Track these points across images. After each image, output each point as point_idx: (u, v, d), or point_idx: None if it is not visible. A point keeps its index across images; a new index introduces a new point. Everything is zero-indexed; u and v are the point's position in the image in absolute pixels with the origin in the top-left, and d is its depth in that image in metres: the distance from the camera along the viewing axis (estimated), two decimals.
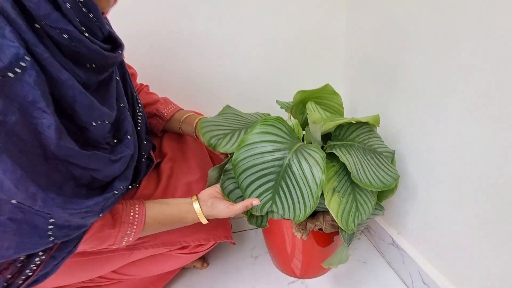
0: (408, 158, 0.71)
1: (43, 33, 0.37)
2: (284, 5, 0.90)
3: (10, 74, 0.33)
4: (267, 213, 0.60)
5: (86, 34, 0.41)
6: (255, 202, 0.56)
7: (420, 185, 0.69)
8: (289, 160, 0.56)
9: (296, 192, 0.55)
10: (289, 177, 0.56)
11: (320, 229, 0.67)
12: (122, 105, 0.53)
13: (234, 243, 0.76)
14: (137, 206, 0.52)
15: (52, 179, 0.38)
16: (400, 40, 0.70)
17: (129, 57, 0.67)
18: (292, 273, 0.83)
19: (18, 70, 0.34)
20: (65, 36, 0.38)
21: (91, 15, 0.41)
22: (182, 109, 0.77)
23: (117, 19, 0.60)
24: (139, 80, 0.78)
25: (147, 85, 0.78)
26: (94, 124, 0.44)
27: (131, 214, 0.51)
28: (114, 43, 0.49)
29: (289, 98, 0.78)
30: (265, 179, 0.56)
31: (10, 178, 0.33)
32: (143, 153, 0.60)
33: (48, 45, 0.38)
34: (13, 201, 0.35)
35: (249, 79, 0.94)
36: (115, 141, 0.50)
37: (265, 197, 0.57)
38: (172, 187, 0.67)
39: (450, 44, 0.56)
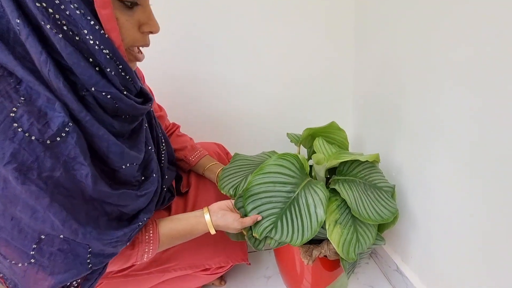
0: (409, 191, 0.77)
1: (89, 97, 0.45)
2: (297, 48, 1.00)
3: (58, 138, 0.42)
4: (265, 237, 0.66)
5: (125, 93, 0.50)
6: (260, 218, 0.64)
7: (420, 216, 0.75)
8: (297, 194, 0.64)
9: (297, 222, 0.63)
10: (294, 208, 0.64)
11: (325, 256, 0.74)
12: (150, 147, 0.62)
13: (249, 264, 0.85)
14: (150, 226, 0.60)
15: (89, 216, 0.46)
16: (401, 83, 0.77)
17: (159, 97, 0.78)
18: None
19: (63, 134, 0.42)
20: (109, 96, 0.46)
21: (127, 77, 0.50)
22: (207, 155, 0.86)
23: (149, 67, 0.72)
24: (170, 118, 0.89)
25: (178, 126, 0.88)
26: (124, 167, 0.52)
27: (146, 234, 0.59)
28: (146, 97, 0.58)
29: (301, 130, 0.86)
30: (272, 205, 0.64)
31: (59, 219, 0.42)
32: (164, 186, 0.69)
33: (91, 107, 0.46)
34: (61, 236, 0.44)
35: (264, 114, 1.05)
36: (143, 178, 0.59)
37: (267, 220, 0.65)
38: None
39: (440, 88, 0.62)
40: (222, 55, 0.97)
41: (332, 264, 0.80)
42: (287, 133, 0.94)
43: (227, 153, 1.01)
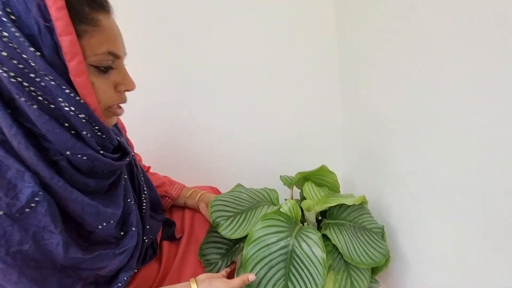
0: (400, 231, 0.79)
1: (63, 161, 0.44)
2: (286, 95, 1.08)
3: (27, 210, 0.40)
4: None
5: (101, 152, 0.48)
6: (251, 277, 0.61)
7: (411, 256, 0.76)
8: (292, 245, 0.66)
9: (305, 274, 0.63)
10: (296, 261, 0.64)
11: None
12: (129, 200, 0.60)
13: None
14: None
15: (63, 285, 0.44)
16: (388, 128, 0.82)
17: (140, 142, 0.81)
18: None
19: (33, 205, 0.40)
20: (85, 158, 0.45)
21: (104, 136, 0.49)
22: (185, 186, 0.88)
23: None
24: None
25: (149, 166, 0.90)
26: (100, 227, 0.50)
27: None
28: (124, 151, 0.57)
29: (294, 172, 0.90)
30: (275, 269, 0.64)
31: None
32: (145, 237, 0.66)
33: (65, 171, 0.45)
34: None
35: (257, 158, 1.10)
36: (121, 233, 0.57)
37: (278, 286, 0.63)
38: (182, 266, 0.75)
39: (427, 136, 0.67)
40: (213, 99, 1.04)
41: None
42: (280, 176, 0.97)
43: None
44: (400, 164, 0.77)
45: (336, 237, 0.68)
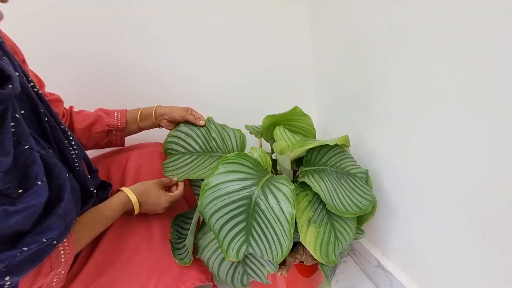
0: (385, 177, 0.69)
1: None
2: (251, 33, 0.89)
3: None
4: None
5: None
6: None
7: (398, 203, 0.67)
8: (256, 197, 0.52)
9: (269, 231, 0.51)
10: (259, 215, 0.51)
11: (301, 262, 0.63)
12: (27, 147, 0.44)
13: (215, 286, 0.69)
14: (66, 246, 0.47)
15: None
16: (366, 59, 0.69)
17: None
18: None
19: None
20: None
21: None
22: (126, 109, 0.74)
23: None
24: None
25: (71, 106, 0.70)
26: None
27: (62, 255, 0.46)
28: (2, 77, 0.40)
29: (260, 120, 0.75)
30: (236, 220, 0.52)
31: None
32: (92, 188, 0.54)
33: None
34: None
35: (218, 107, 0.91)
36: (20, 191, 0.42)
37: (239, 239, 0.52)
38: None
39: (415, 58, 0.55)
40: (169, 43, 0.83)
41: (310, 269, 0.69)
42: (246, 125, 0.82)
43: None
44: (384, 102, 0.65)
45: (317, 185, 0.56)
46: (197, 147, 0.72)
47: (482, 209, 0.48)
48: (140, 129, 0.75)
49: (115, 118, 0.70)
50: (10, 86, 0.40)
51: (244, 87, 0.93)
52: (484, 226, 0.48)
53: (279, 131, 0.67)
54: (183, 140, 0.72)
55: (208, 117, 0.76)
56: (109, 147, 0.74)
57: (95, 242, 0.60)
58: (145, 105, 0.76)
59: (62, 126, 0.53)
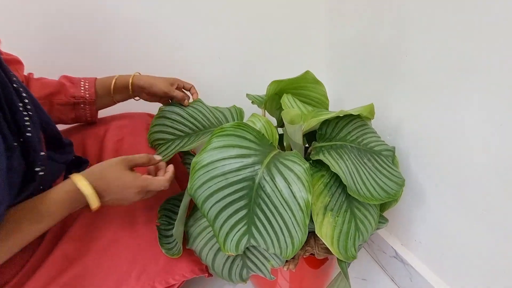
0: (412, 157, 0.58)
1: None
2: None
3: None
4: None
5: None
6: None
7: (428, 188, 0.56)
8: (260, 178, 0.41)
9: (277, 220, 0.41)
10: (264, 201, 0.41)
11: (312, 254, 0.53)
12: None
13: (210, 275, 0.60)
14: None
15: None
16: (392, 11, 0.56)
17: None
18: None
19: None
20: None
21: None
22: (97, 78, 0.59)
23: None
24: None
25: (30, 73, 0.57)
26: None
27: None
28: None
29: (263, 90, 0.63)
30: (235, 206, 0.41)
31: None
32: (38, 168, 0.41)
33: None
34: None
35: (216, 73, 0.78)
36: None
37: (239, 230, 0.42)
38: None
39: (458, 7, 0.42)
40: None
41: (319, 260, 0.60)
42: (247, 94, 0.70)
43: None
44: (414, 67, 0.53)
45: (336, 164, 0.45)
46: (187, 130, 0.61)
47: None
48: (115, 102, 0.61)
49: (82, 88, 0.56)
50: None
51: (246, 51, 0.80)
52: None
53: (287, 99, 0.56)
54: (169, 126, 0.61)
55: (198, 99, 0.65)
56: (77, 123, 0.61)
57: (63, 227, 0.49)
58: (126, 72, 0.63)
59: (15, 85, 0.41)
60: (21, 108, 0.39)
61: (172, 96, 0.61)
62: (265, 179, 0.41)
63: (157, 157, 0.52)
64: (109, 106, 0.62)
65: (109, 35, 0.71)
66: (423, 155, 0.56)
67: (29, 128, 0.39)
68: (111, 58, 0.72)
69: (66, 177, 0.52)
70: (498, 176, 0.43)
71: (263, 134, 0.46)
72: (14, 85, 0.41)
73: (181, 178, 0.70)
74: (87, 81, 0.57)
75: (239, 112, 0.60)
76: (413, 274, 0.63)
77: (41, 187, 0.43)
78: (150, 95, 0.62)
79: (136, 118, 0.66)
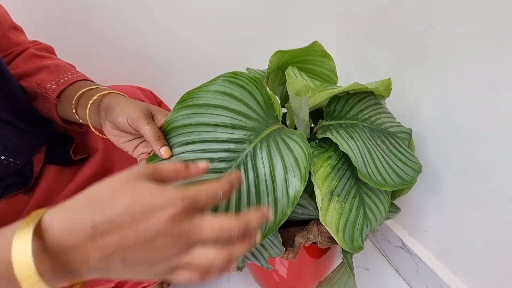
0: (429, 141, 0.53)
1: None
2: None
3: None
4: None
5: None
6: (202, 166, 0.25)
7: (444, 176, 0.51)
8: (253, 148, 0.35)
9: (253, 197, 0.35)
10: (246, 173, 0.35)
11: (314, 243, 0.49)
12: None
13: None
14: None
15: None
16: None
17: None
18: None
19: None
20: None
21: None
22: (87, 80, 0.44)
23: None
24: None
25: (36, 42, 0.47)
26: None
27: None
28: None
29: (265, 65, 0.57)
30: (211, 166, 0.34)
31: None
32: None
33: None
34: None
35: (217, 41, 0.71)
36: None
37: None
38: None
39: None
40: None
41: (321, 250, 0.56)
42: (247, 68, 0.63)
43: (160, 102, 0.68)
44: (440, 37, 0.46)
45: (346, 143, 0.40)
46: None
47: None
48: (78, 118, 0.41)
49: (56, 80, 0.42)
50: None
51: (247, 19, 0.72)
52: None
53: (292, 71, 0.50)
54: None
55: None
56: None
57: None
58: (104, 36, 0.55)
59: None
60: None
61: (144, 134, 0.36)
62: (259, 150, 0.35)
63: (202, 165, 0.26)
64: (71, 120, 0.44)
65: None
66: (442, 140, 0.50)
67: None
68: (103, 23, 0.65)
69: (48, 155, 0.46)
70: None
71: (272, 103, 0.40)
72: None
73: None
74: (69, 76, 0.43)
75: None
76: (420, 265, 0.59)
77: (12, 159, 0.38)
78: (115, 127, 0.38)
79: (128, 90, 0.59)
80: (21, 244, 0.18)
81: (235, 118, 0.36)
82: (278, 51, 0.52)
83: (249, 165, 0.35)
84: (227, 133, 0.35)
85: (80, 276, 0.21)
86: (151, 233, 0.19)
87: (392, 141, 0.46)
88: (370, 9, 0.63)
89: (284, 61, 0.55)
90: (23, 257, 0.18)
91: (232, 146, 0.35)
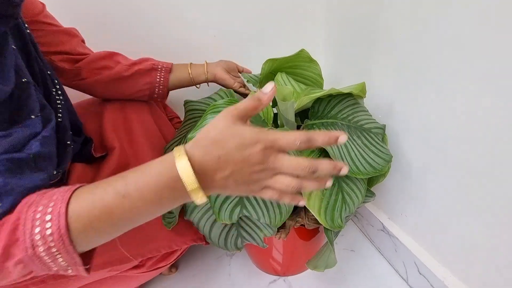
0: (402, 134, 0.60)
1: None
2: None
3: None
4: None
5: None
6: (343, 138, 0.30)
7: (415, 165, 0.59)
8: None
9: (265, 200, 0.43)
10: None
11: (302, 225, 0.57)
12: (24, 79, 0.38)
13: (207, 243, 0.65)
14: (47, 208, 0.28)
15: None
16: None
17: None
18: (272, 271, 0.73)
19: None
20: None
21: None
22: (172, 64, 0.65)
23: None
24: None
25: (112, 53, 0.61)
26: None
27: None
28: None
29: (259, 70, 0.64)
30: None
31: None
32: (69, 141, 0.45)
33: None
34: None
35: (214, 49, 0.78)
36: (5, 124, 0.34)
37: (232, 201, 0.45)
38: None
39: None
40: None
41: (310, 232, 0.64)
42: (242, 74, 0.71)
43: (165, 107, 0.76)
44: (403, 42, 0.53)
45: None
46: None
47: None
48: (191, 76, 0.64)
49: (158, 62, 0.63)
50: (16, 1, 0.34)
51: (241, 28, 0.79)
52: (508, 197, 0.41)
53: (281, 77, 0.57)
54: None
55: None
56: (146, 91, 0.62)
57: None
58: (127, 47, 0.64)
59: (49, 72, 0.45)
60: (53, 92, 0.42)
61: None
62: None
63: (268, 87, 0.32)
64: (182, 85, 0.65)
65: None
66: (412, 134, 0.58)
67: (60, 110, 0.42)
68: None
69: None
70: (483, 156, 0.45)
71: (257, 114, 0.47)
72: (49, 72, 0.44)
73: None
74: (163, 64, 0.63)
75: (230, 93, 0.62)
76: (397, 245, 0.67)
77: (70, 143, 0.45)
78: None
79: (138, 102, 0.66)
80: (182, 164, 0.28)
81: None
82: (269, 59, 0.59)
83: None
84: None
85: (210, 190, 0.31)
86: (251, 162, 0.29)
87: (367, 136, 0.53)
88: (351, 19, 0.70)
89: (275, 67, 0.63)
90: (185, 171, 0.28)
91: None
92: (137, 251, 0.54)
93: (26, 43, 0.43)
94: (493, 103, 0.41)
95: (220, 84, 0.67)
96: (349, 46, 0.74)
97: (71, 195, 0.29)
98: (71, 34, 0.57)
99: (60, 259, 0.28)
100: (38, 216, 0.27)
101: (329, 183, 0.32)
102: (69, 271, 0.30)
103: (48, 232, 0.27)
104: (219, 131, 0.29)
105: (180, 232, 0.59)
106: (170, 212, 0.60)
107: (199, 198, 0.30)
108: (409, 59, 0.54)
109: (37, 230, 0.27)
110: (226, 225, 0.55)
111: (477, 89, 0.43)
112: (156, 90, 0.62)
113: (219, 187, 0.31)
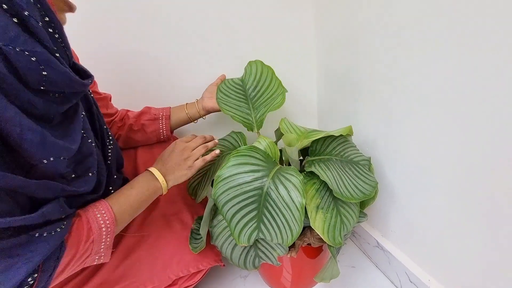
0: (385, 163, 0.74)
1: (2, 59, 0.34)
2: (256, 21, 0.89)
3: None
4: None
5: (57, 54, 0.39)
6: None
7: (398, 188, 0.72)
8: (267, 188, 0.55)
9: (280, 218, 0.55)
10: (270, 204, 0.55)
11: (309, 244, 0.68)
12: (89, 140, 0.50)
13: (224, 265, 0.75)
14: (101, 209, 0.50)
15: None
16: (365, 48, 0.72)
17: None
18: None
19: None
20: (33, 59, 0.36)
21: (56, 33, 0.39)
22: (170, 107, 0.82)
23: None
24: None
25: (125, 110, 0.79)
26: (46, 161, 0.40)
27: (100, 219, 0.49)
28: (83, 73, 0.47)
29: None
30: (248, 209, 0.56)
31: None
32: (111, 187, 0.57)
33: None
34: None
35: (212, 59, 0.91)
36: (73, 176, 0.46)
37: (250, 227, 0.56)
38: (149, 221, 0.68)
39: (409, 56, 0.58)
40: (170, 29, 0.83)
41: (315, 251, 0.74)
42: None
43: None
44: (378, 88, 0.68)
45: (324, 174, 0.60)
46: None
47: (480, 195, 0.52)
48: (188, 116, 0.80)
49: (160, 111, 0.79)
50: (90, 81, 0.47)
51: (238, 65, 0.92)
52: (481, 211, 0.53)
53: (284, 123, 0.70)
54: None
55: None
56: (151, 140, 0.78)
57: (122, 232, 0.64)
58: (133, 91, 0.84)
59: (105, 126, 0.59)
60: (107, 143, 0.55)
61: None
62: (271, 188, 0.56)
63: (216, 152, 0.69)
64: (182, 125, 0.81)
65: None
66: (394, 162, 0.71)
67: (110, 157, 0.55)
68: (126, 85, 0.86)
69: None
70: (451, 176, 0.58)
71: (268, 154, 0.60)
72: (105, 126, 0.57)
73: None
74: (162, 110, 0.79)
75: (242, 137, 0.75)
76: (390, 258, 0.78)
77: (112, 189, 0.58)
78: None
79: (164, 145, 0.80)
80: (158, 176, 0.59)
81: (250, 175, 0.56)
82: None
83: (268, 198, 0.55)
84: (249, 186, 0.56)
85: (169, 183, 0.61)
86: (179, 153, 0.62)
87: (356, 167, 0.66)
88: (339, 69, 0.86)
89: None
90: (160, 178, 0.59)
91: (255, 192, 0.55)
92: (171, 272, 0.65)
93: (90, 105, 0.56)
94: (451, 137, 0.55)
95: (213, 112, 0.82)
96: (336, 90, 0.89)
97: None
98: (108, 98, 0.72)
99: (108, 239, 0.49)
100: (97, 214, 0.48)
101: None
102: (102, 257, 0.50)
103: (106, 219, 0.49)
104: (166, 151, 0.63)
105: (204, 254, 0.70)
106: (196, 238, 0.70)
107: (164, 184, 0.59)
108: (387, 102, 0.69)
109: (100, 220, 0.48)
110: (245, 247, 0.65)
111: (440, 124, 0.57)
112: (161, 137, 0.78)
113: (170, 180, 0.61)
